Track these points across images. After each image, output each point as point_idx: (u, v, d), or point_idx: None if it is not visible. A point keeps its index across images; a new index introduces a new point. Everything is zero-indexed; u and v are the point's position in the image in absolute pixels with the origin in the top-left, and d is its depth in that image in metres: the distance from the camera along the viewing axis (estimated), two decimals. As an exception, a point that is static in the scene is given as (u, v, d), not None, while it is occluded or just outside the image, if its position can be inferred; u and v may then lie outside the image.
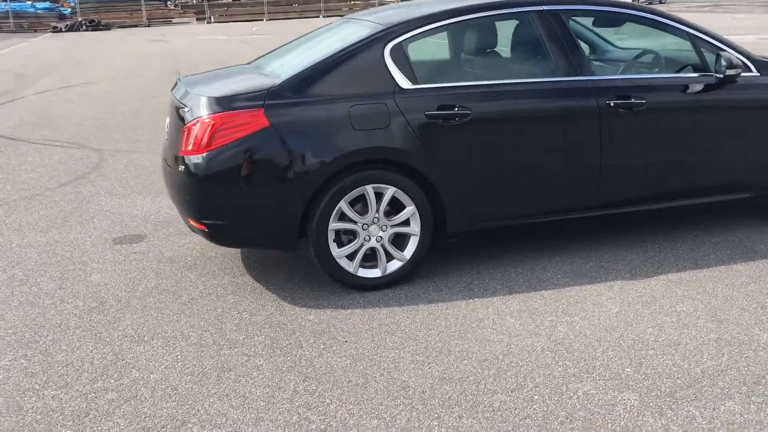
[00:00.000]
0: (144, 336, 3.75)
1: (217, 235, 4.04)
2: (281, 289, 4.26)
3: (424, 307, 3.96)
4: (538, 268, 4.40)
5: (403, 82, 4.07)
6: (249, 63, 5.10)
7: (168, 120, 4.49)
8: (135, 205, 5.98)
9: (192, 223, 4.07)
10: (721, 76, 4.41)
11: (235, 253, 4.83)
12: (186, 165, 3.97)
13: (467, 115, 4.06)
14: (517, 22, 4.45)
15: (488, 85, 4.23)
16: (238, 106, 3.92)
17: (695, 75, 4.54)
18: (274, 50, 5.13)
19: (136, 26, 32.81)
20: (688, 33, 4.55)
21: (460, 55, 4.61)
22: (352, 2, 36.88)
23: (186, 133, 3.98)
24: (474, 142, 4.13)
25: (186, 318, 3.93)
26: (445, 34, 4.52)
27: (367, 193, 4.02)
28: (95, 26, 31.32)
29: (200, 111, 3.95)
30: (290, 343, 3.63)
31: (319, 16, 35.00)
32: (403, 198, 4.08)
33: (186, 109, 4.09)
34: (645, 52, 4.94)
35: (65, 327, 3.87)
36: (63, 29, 30.68)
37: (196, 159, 3.91)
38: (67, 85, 13.75)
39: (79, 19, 31.86)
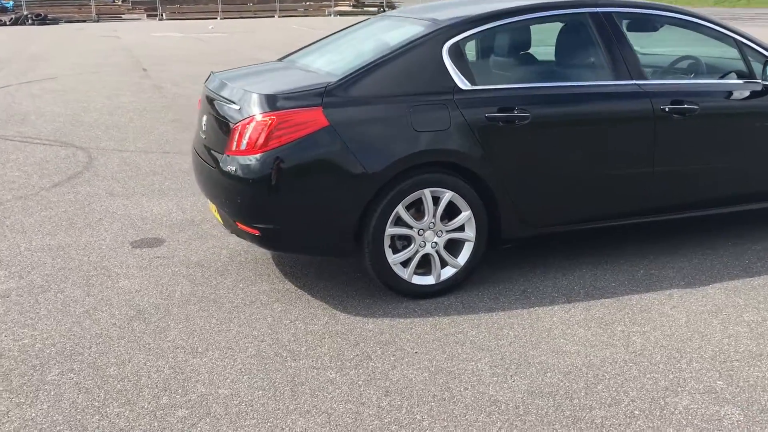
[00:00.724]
0: (197, 347, 3.51)
1: (269, 239, 3.82)
2: (329, 296, 4.06)
3: (485, 315, 3.82)
4: (588, 276, 4.30)
5: (461, 83, 3.92)
6: (281, 59, 4.88)
7: (205, 117, 4.25)
8: (142, 207, 5.68)
9: (241, 226, 3.84)
10: None
11: (266, 257, 4.61)
12: (237, 166, 3.74)
13: (526, 117, 3.94)
14: (573, 23, 4.34)
15: (547, 87, 4.12)
16: (295, 104, 3.71)
17: (740, 82, 4.52)
18: (305, 47, 4.94)
19: (84, 21, 31.92)
20: (735, 39, 4.53)
21: (515, 56, 4.49)
22: (307, 3, 36.62)
23: (238, 131, 3.75)
24: (532, 145, 4.02)
25: (236, 327, 3.71)
26: (498, 33, 4.38)
27: (425, 197, 3.87)
28: (42, 20, 30.34)
29: (253, 109, 3.73)
30: (357, 355, 3.44)
31: (274, 16, 34.66)
32: (460, 202, 3.93)
33: (234, 106, 3.86)
34: (683, 57, 4.90)
35: (107, 337, 3.61)
36: (7, 23, 29.62)
37: (250, 160, 3.69)
38: (28, 80, 13.20)
39: (25, 13, 30.83)
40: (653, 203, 4.34)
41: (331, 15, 34.91)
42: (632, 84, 4.20)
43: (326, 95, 3.73)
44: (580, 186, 4.16)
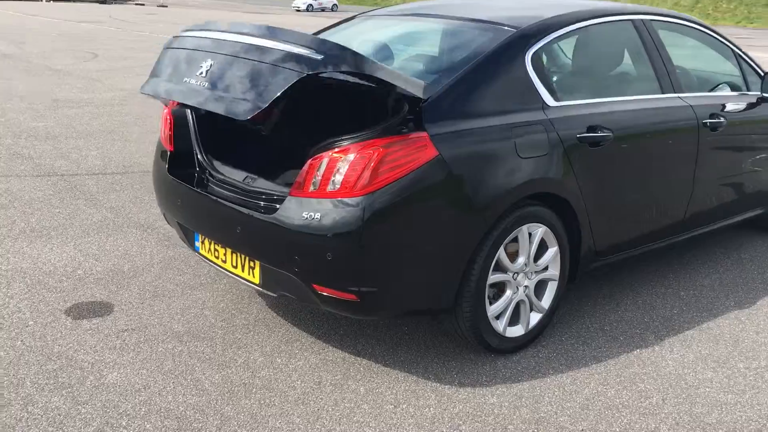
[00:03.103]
0: (317, 466, 2.58)
1: (369, 305, 2.93)
2: (402, 363, 3.28)
3: (598, 366, 3.32)
4: (642, 304, 3.99)
5: (548, 99, 3.36)
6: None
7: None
8: (31, 257, 4.28)
9: (325, 291, 2.90)
10: None
11: (267, 314, 3.67)
12: (325, 212, 2.81)
13: (609, 137, 3.50)
14: (631, 30, 3.93)
15: (623, 102, 3.69)
16: (399, 129, 2.88)
17: (734, 94, 4.48)
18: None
19: None
20: (734, 51, 4.50)
21: (582, 66, 3.98)
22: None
23: (321, 166, 2.83)
24: (611, 167, 3.58)
25: (337, 426, 2.80)
26: (571, 40, 3.82)
27: (523, 234, 3.26)
28: None
29: (344, 135, 2.84)
30: (521, 444, 2.76)
31: (42, 0, 30.13)
32: (549, 238, 3.38)
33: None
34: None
35: (176, 471, 2.51)
36: None
37: (347, 204, 2.79)
38: None
39: None
40: (688, 219, 4.15)
41: (43, 1, 31.23)
42: (682, 97, 3.96)
43: (426, 116, 2.95)
44: (645, 207, 3.83)
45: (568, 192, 3.35)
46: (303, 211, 2.85)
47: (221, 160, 3.47)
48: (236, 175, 3.31)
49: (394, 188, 2.81)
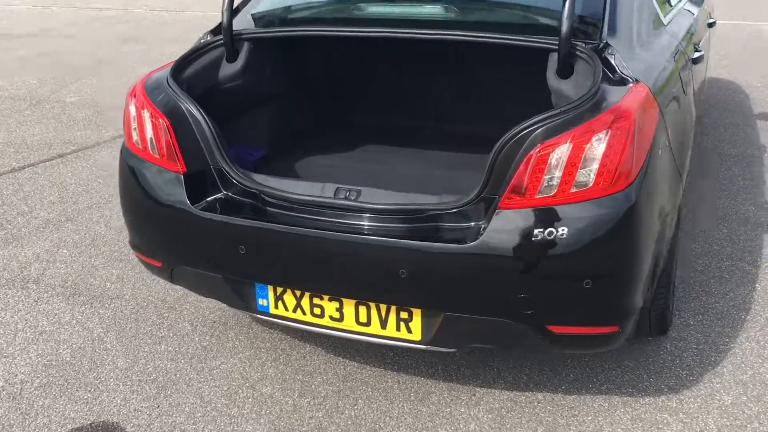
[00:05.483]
0: None
1: (625, 332, 2.09)
2: (590, 390, 2.54)
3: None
4: (719, 241, 3.55)
5: (662, 17, 2.74)
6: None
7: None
8: None
9: (574, 331, 2.02)
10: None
11: (351, 369, 2.65)
12: (572, 224, 1.91)
13: (703, 55, 2.99)
14: None
15: (689, 13, 3.20)
16: (617, 85, 2.07)
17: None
18: None
19: None
20: None
21: None
22: None
23: (565, 158, 1.91)
24: (697, 89, 3.10)
25: None
26: None
27: (673, 202, 2.66)
28: None
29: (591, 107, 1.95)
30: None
31: None
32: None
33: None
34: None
35: None
36: None
37: (613, 204, 1.91)
38: None
39: None
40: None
41: None
42: (688, 2, 3.57)
43: (627, 63, 2.16)
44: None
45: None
46: (533, 227, 1.91)
47: (264, 172, 2.32)
48: (314, 191, 2.19)
49: (648, 166, 2.01)
